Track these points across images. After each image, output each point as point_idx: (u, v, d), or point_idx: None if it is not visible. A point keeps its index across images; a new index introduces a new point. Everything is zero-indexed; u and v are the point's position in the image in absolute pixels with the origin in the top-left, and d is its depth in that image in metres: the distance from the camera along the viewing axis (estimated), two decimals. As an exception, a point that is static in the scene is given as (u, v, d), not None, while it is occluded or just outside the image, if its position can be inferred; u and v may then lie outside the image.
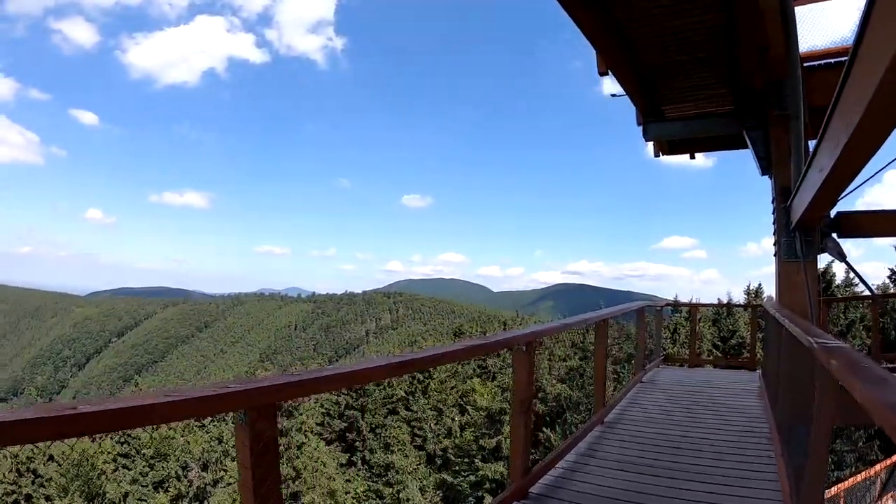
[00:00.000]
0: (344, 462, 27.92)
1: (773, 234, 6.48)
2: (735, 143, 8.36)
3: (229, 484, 23.79)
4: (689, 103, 7.07)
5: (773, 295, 7.06)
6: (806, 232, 5.79)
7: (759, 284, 24.65)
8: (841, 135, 2.49)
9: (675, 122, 7.37)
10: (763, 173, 6.67)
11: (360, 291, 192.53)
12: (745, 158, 7.68)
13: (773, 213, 6.48)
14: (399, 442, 27.45)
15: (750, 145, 6.78)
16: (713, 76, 6.55)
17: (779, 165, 6.36)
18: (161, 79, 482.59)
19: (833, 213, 5.71)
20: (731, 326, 23.98)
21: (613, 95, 8.06)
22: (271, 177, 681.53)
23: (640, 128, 7.49)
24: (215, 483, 23.93)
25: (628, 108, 8.17)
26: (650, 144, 9.02)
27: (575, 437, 5.35)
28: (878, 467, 11.95)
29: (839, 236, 5.73)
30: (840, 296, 20.26)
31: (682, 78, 6.67)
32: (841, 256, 5.68)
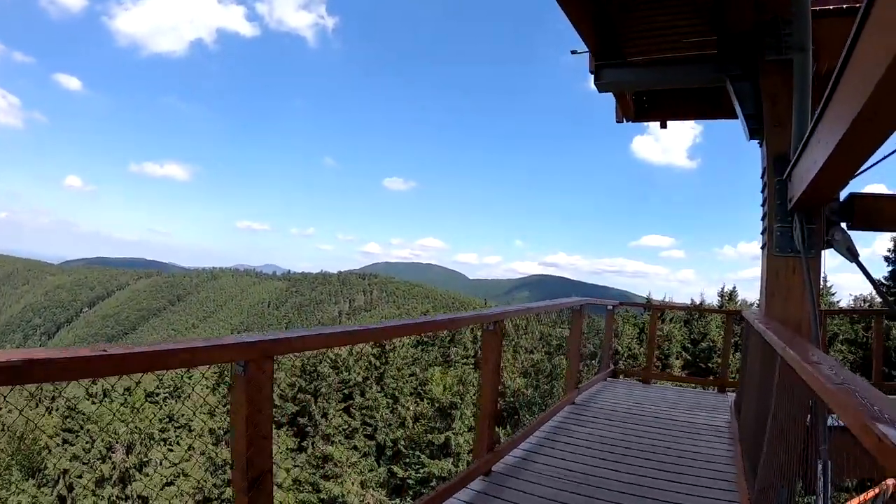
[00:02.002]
0: (293, 447, 26.41)
1: (762, 218, 4.71)
2: (719, 108, 6.67)
3: (175, 465, 22.96)
4: (657, 43, 5.32)
5: (757, 300, 5.33)
6: (808, 217, 4.05)
7: (734, 287, 24.65)
8: (866, 77, 1.72)
9: (638, 67, 5.57)
10: (750, 137, 4.87)
11: (335, 272, 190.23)
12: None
13: (763, 192, 4.72)
14: (343, 431, 25.89)
15: (735, 101, 5.00)
16: (690, 6, 4.84)
17: (773, 126, 4.59)
18: (148, 47, 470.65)
19: (844, 194, 4.01)
20: (702, 329, 22.69)
21: (574, 52, 6.37)
22: (255, 152, 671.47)
23: (593, 76, 5.69)
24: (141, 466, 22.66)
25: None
26: (614, 108, 7.33)
27: (427, 500, 3.40)
28: (854, 502, 10.49)
29: (850, 227, 4.00)
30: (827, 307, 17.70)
31: (647, 6, 4.93)
32: (852, 254, 3.93)
